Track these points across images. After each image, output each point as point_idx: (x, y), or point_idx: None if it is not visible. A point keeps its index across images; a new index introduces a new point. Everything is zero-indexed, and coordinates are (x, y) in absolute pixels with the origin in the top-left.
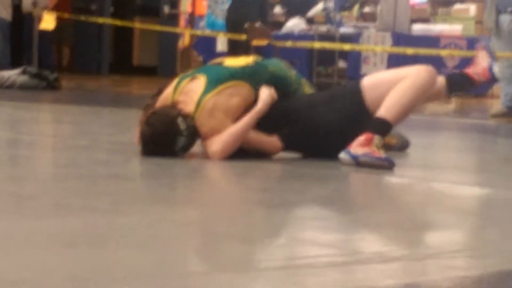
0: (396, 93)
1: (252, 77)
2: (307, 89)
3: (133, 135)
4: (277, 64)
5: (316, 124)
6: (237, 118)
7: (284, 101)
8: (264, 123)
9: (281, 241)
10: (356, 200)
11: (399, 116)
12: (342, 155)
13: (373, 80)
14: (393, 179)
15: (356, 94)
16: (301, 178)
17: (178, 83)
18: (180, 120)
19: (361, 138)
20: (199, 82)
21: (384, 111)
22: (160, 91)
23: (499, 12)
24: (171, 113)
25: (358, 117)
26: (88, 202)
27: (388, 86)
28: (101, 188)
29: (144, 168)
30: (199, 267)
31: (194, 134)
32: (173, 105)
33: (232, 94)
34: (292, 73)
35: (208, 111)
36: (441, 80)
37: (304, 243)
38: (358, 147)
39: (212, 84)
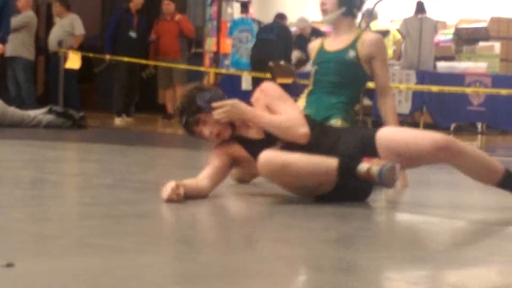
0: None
1: None
2: None
3: (158, 174)
4: None
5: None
6: None
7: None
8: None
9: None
10: (378, 239)
11: None
12: None
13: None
14: (416, 218)
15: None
16: (325, 215)
17: None
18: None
19: None
20: None
21: None
22: None
23: None
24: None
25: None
26: (112, 241)
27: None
28: (125, 227)
29: (168, 207)
30: None
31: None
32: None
33: None
34: None
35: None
36: (332, 159)
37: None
38: None
39: None
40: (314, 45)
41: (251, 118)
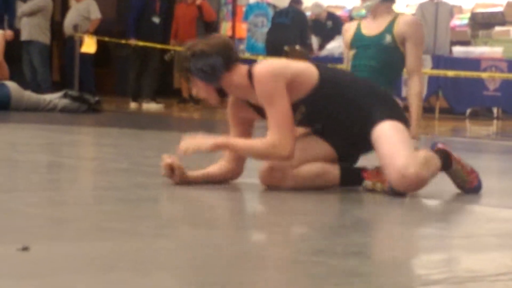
0: None
1: None
2: None
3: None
4: None
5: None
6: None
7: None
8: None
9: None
10: (393, 224)
11: None
12: None
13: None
14: (434, 202)
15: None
16: (340, 200)
17: None
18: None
19: None
20: None
21: None
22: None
23: None
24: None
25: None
26: (127, 225)
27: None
28: (141, 211)
29: (183, 191)
30: None
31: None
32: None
33: None
34: None
35: None
36: (334, 170)
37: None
38: None
39: None
40: (349, 27)
41: (223, 148)
